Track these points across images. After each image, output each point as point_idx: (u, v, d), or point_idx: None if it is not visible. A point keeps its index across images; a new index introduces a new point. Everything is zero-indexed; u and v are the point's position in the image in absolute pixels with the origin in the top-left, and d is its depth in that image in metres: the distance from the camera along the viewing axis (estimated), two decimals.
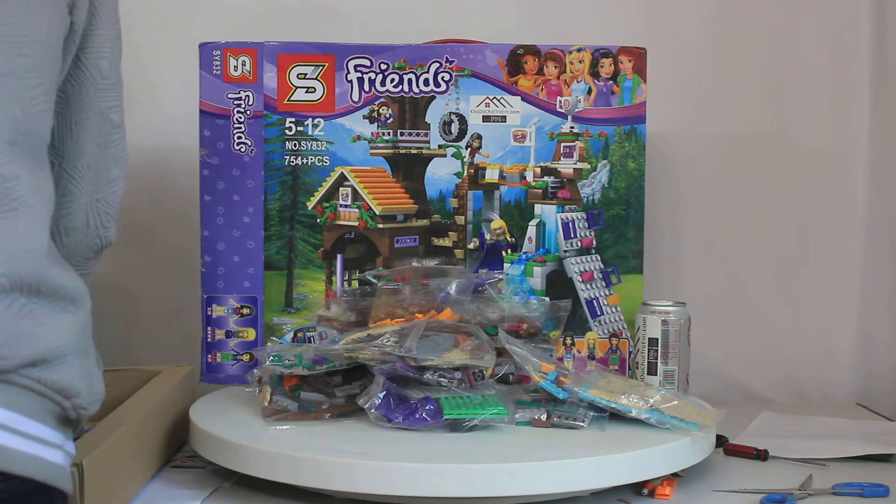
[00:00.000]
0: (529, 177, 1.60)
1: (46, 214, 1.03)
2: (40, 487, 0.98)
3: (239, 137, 1.57)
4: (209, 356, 1.58)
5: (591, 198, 1.61)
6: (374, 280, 1.51)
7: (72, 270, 1.06)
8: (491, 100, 1.59)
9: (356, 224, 1.59)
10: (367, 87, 1.58)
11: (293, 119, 1.57)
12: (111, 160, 1.15)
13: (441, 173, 1.60)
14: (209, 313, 1.58)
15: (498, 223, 1.60)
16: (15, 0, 1.03)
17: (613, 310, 1.61)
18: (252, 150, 1.57)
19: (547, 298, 1.55)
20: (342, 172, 1.58)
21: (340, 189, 1.58)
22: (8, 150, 1.00)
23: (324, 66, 1.57)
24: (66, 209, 1.12)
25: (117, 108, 1.16)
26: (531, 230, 1.60)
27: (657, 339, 1.52)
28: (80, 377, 1.02)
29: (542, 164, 1.60)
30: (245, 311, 1.58)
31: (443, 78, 1.58)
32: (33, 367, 0.98)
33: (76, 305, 1.04)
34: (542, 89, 1.59)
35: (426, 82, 1.58)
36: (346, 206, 1.59)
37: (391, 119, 1.58)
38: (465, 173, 1.60)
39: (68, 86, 1.11)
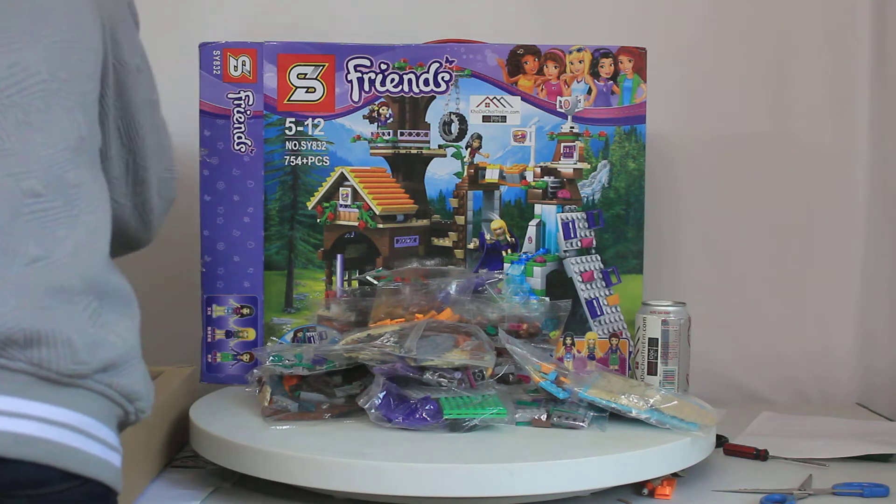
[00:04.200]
0: (529, 177, 1.60)
1: (106, 218, 1.06)
2: (108, 491, 1.00)
3: (239, 137, 1.57)
4: (209, 356, 1.58)
5: (591, 198, 1.61)
6: (373, 281, 1.51)
7: (123, 275, 1.08)
8: (491, 100, 1.59)
9: (356, 224, 1.59)
10: (367, 87, 1.58)
11: (293, 119, 1.57)
12: (161, 132, 1.22)
13: (441, 173, 1.60)
14: (209, 313, 1.58)
15: (498, 223, 1.60)
16: (71, 10, 1.06)
17: (613, 310, 1.61)
18: (252, 150, 1.57)
19: (547, 298, 1.55)
20: (342, 172, 1.58)
21: (340, 189, 1.58)
22: (73, 156, 1.02)
23: (324, 66, 1.57)
24: (144, 195, 1.21)
25: (155, 88, 1.22)
26: (531, 230, 1.60)
27: (657, 339, 1.52)
28: (143, 381, 1.05)
29: (542, 164, 1.60)
30: (245, 311, 1.58)
31: (443, 78, 1.58)
32: (104, 373, 1.00)
33: (132, 308, 1.08)
34: (542, 89, 1.59)
35: (426, 82, 1.58)
36: (346, 206, 1.59)
37: (391, 119, 1.58)
38: (465, 173, 1.60)
39: (118, 87, 1.15)
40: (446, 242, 1.60)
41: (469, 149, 1.59)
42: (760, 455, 1.44)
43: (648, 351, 1.53)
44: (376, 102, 1.58)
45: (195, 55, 1.56)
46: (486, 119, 1.59)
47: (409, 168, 1.59)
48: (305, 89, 1.57)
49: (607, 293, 1.61)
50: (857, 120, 1.83)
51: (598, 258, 1.61)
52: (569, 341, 1.60)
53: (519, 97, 1.59)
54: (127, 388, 1.02)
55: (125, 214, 1.21)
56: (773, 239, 1.85)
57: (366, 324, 1.45)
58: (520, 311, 1.46)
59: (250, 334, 1.58)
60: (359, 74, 1.57)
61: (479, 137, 1.59)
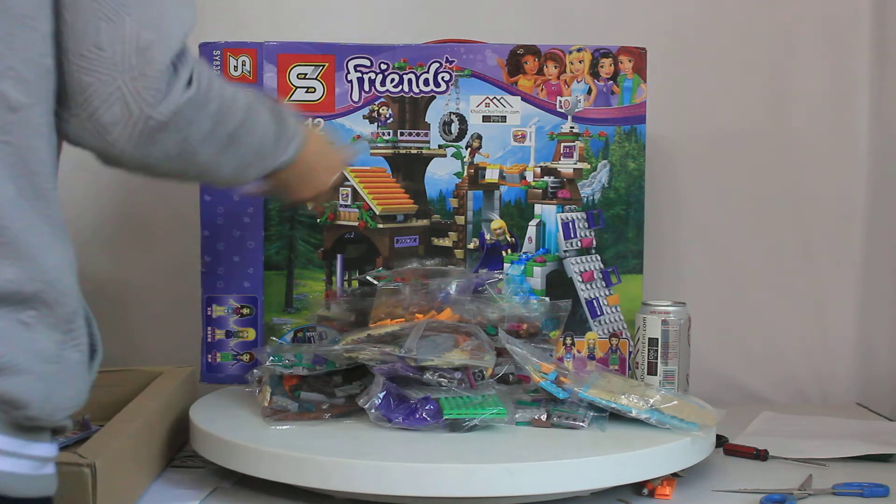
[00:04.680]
0: (529, 177, 1.60)
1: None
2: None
3: None
4: (209, 356, 1.58)
5: (591, 198, 1.61)
6: (373, 281, 1.51)
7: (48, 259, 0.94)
8: (491, 100, 1.59)
9: (356, 224, 1.59)
10: (367, 87, 1.58)
11: None
12: (136, 27, 0.94)
13: (441, 173, 1.60)
14: (209, 313, 1.58)
15: (498, 223, 1.60)
16: None
17: (613, 310, 1.61)
18: None
19: (547, 298, 1.55)
20: (342, 172, 1.58)
21: (340, 189, 1.58)
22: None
23: (324, 66, 1.57)
24: (91, 105, 0.93)
25: None
26: (531, 230, 1.60)
27: (657, 339, 1.52)
28: (34, 389, 0.93)
29: (542, 164, 1.60)
30: (245, 311, 1.58)
31: (443, 78, 1.58)
32: None
33: (41, 310, 0.93)
34: (542, 89, 1.59)
35: (426, 82, 1.58)
36: (346, 206, 1.59)
37: (391, 119, 1.58)
38: (465, 173, 1.60)
39: None
40: (446, 242, 1.60)
41: (469, 149, 1.59)
42: (760, 455, 1.44)
43: (648, 351, 1.53)
44: (376, 102, 1.58)
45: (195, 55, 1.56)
46: (486, 119, 1.59)
47: (409, 168, 1.59)
48: (305, 89, 1.57)
49: (607, 293, 1.61)
50: (857, 120, 1.83)
51: (598, 258, 1.61)
52: (569, 341, 1.60)
53: (519, 97, 1.59)
54: (6, 394, 0.92)
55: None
56: (774, 239, 1.85)
57: (366, 324, 1.45)
58: (520, 311, 1.46)
59: (250, 334, 1.58)
60: (359, 74, 1.57)
61: (479, 137, 1.59)
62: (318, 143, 1.29)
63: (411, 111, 1.59)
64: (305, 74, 1.57)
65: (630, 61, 1.60)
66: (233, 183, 1.15)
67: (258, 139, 1.10)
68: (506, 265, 1.60)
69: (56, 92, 0.95)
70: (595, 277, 1.61)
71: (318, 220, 1.59)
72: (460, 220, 1.60)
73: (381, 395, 1.31)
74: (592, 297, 1.61)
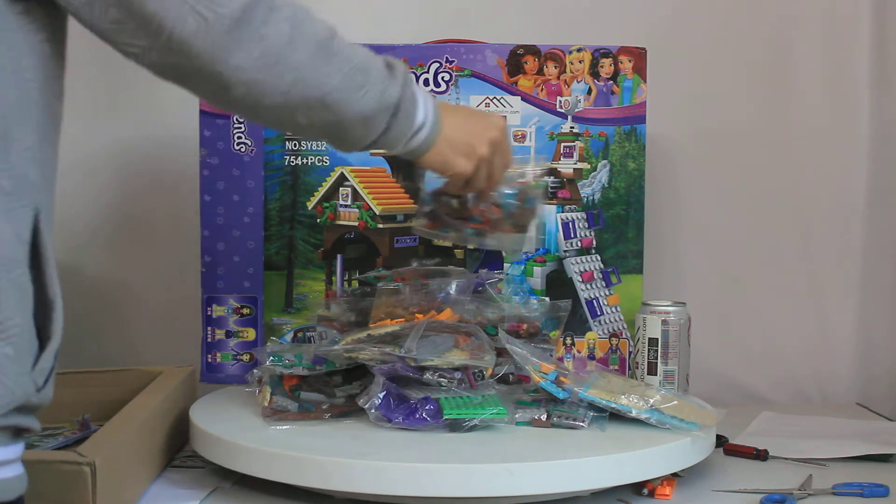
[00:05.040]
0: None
1: None
2: None
3: (239, 137, 1.57)
4: (209, 356, 1.58)
5: (591, 198, 1.61)
6: (374, 281, 1.51)
7: None
8: (491, 100, 1.59)
9: (356, 224, 1.59)
10: None
11: None
12: None
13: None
14: (209, 313, 1.58)
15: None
16: None
17: (613, 310, 1.61)
18: (252, 149, 1.57)
19: (547, 298, 1.55)
20: (342, 172, 1.58)
21: (340, 189, 1.58)
22: None
23: None
24: (166, 29, 0.94)
25: None
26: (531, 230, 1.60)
27: (657, 339, 1.52)
28: None
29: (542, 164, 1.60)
30: (245, 311, 1.58)
31: (443, 78, 1.58)
32: None
33: None
34: (542, 89, 1.59)
35: (426, 82, 1.58)
36: (346, 206, 1.59)
37: None
38: None
39: None
40: (446, 242, 1.60)
41: None
42: (760, 455, 1.44)
43: (648, 351, 1.53)
44: None
45: None
46: None
47: (409, 168, 1.59)
48: None
49: (607, 293, 1.61)
50: (857, 120, 1.83)
51: (598, 258, 1.61)
52: (569, 341, 1.60)
53: (519, 97, 1.59)
54: None
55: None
56: (774, 239, 1.85)
57: (366, 324, 1.45)
58: (520, 311, 1.46)
59: (250, 334, 1.58)
60: None
61: None
62: (459, 110, 1.23)
63: None
64: None
65: (630, 61, 1.60)
66: (360, 113, 1.07)
67: (360, 57, 1.06)
68: (506, 265, 1.60)
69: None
70: (595, 277, 1.61)
71: (319, 221, 1.59)
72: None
73: (381, 395, 1.31)
74: (592, 297, 1.61)
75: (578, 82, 1.60)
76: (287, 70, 1.00)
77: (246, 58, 0.97)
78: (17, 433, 0.95)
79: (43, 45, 0.96)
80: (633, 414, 1.33)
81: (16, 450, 0.96)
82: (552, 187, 1.60)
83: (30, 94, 0.95)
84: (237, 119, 1.56)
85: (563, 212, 1.60)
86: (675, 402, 1.35)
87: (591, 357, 1.60)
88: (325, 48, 1.03)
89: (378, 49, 1.56)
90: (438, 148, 1.18)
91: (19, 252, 0.93)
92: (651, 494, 1.28)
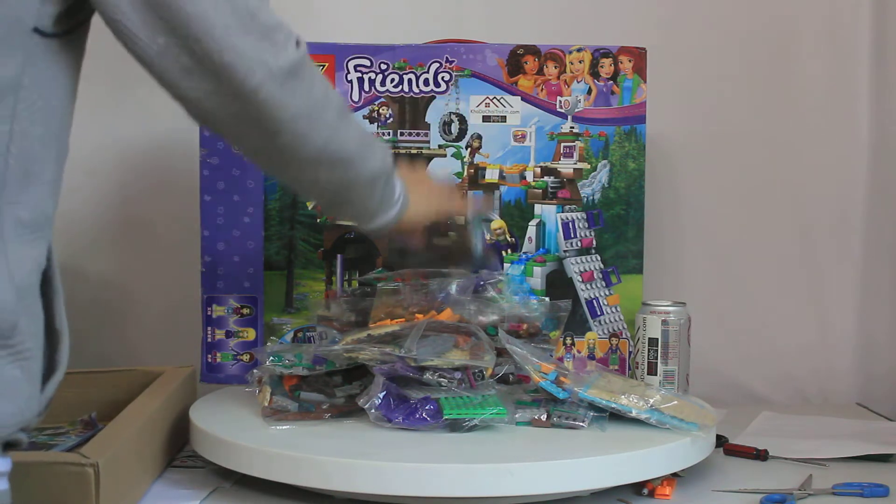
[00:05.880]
0: (529, 177, 1.60)
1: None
2: None
3: None
4: (209, 356, 1.58)
5: (591, 198, 1.61)
6: (374, 282, 1.51)
7: None
8: (491, 100, 1.59)
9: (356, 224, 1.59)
10: (367, 87, 1.58)
11: None
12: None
13: (441, 173, 1.60)
14: (209, 313, 1.58)
15: (498, 223, 1.60)
16: None
17: (613, 310, 1.61)
18: None
19: (547, 298, 1.55)
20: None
21: None
22: None
23: (324, 66, 1.57)
24: (237, 79, 1.00)
25: None
26: (531, 230, 1.60)
27: (657, 339, 1.52)
28: None
29: (542, 164, 1.60)
30: (245, 311, 1.58)
31: (443, 78, 1.58)
32: None
33: None
34: (542, 89, 1.59)
35: (426, 82, 1.58)
36: None
37: (391, 119, 1.58)
38: (465, 173, 1.60)
39: None
40: (446, 242, 1.60)
41: (469, 149, 1.59)
42: (760, 455, 1.44)
43: (648, 351, 1.53)
44: (376, 102, 1.58)
45: None
46: (486, 119, 1.59)
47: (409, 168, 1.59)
48: None
49: (607, 293, 1.61)
50: (857, 119, 1.83)
51: (598, 258, 1.61)
52: (569, 341, 1.60)
53: (519, 97, 1.59)
54: None
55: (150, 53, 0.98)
56: (774, 239, 1.85)
57: (366, 324, 1.45)
58: (520, 311, 1.46)
59: (250, 334, 1.58)
60: (359, 74, 1.57)
61: (479, 137, 1.59)
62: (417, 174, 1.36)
63: (411, 111, 1.59)
64: None
65: (630, 61, 1.60)
66: (371, 172, 1.17)
67: (360, 122, 1.18)
68: (506, 265, 1.60)
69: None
70: (595, 277, 1.61)
71: (319, 220, 1.59)
72: (460, 220, 1.60)
73: (381, 395, 1.31)
74: (592, 297, 1.61)
75: (578, 82, 1.60)
76: (324, 126, 1.09)
77: (299, 109, 1.04)
78: (7, 447, 0.97)
79: (69, 80, 0.98)
80: (633, 414, 1.33)
81: (6, 463, 0.97)
82: (552, 187, 1.60)
83: (52, 130, 0.97)
84: None
85: (563, 212, 1.60)
86: (675, 402, 1.35)
87: (591, 357, 1.60)
88: (345, 110, 1.14)
89: (378, 49, 1.58)
90: (403, 221, 1.29)
91: (36, 281, 0.96)
92: (651, 494, 1.28)
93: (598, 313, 1.61)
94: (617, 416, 1.34)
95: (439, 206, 1.40)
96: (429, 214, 1.36)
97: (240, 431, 1.32)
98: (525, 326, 1.44)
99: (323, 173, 1.14)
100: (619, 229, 1.61)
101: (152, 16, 0.96)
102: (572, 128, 1.60)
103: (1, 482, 0.96)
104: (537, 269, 1.60)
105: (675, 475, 1.32)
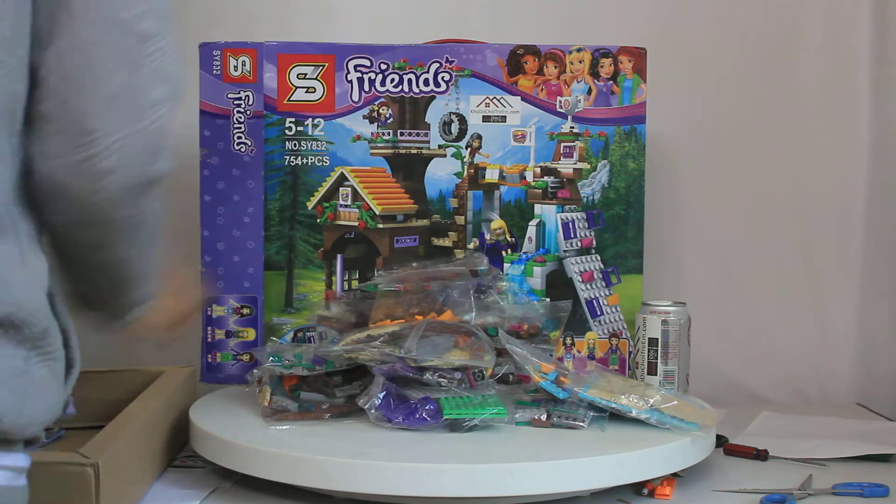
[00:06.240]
0: (529, 177, 1.60)
1: None
2: None
3: (239, 137, 1.57)
4: (209, 356, 1.58)
5: (591, 198, 1.61)
6: (374, 289, 1.51)
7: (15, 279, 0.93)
8: (491, 100, 1.59)
9: (356, 224, 1.59)
10: (367, 87, 1.58)
11: (293, 119, 1.57)
12: (148, 81, 0.93)
13: (441, 173, 1.60)
14: (209, 313, 1.58)
15: (498, 223, 1.60)
16: None
17: (613, 310, 1.61)
18: (252, 150, 1.57)
19: (547, 298, 1.55)
20: (342, 172, 1.58)
21: (340, 189, 1.58)
22: None
23: (324, 66, 1.57)
24: (93, 149, 0.92)
25: (145, 14, 0.93)
26: (531, 230, 1.60)
27: (657, 339, 1.52)
28: (6, 401, 0.92)
29: (542, 164, 1.60)
30: (245, 311, 1.58)
31: (443, 78, 1.58)
32: None
33: (8, 330, 0.92)
34: (542, 89, 1.59)
35: (426, 82, 1.58)
36: (346, 206, 1.59)
37: (391, 119, 1.58)
38: (465, 173, 1.60)
39: (74, 4, 0.92)
40: (446, 242, 1.60)
41: (469, 149, 1.59)
42: (760, 455, 1.44)
43: (648, 351, 1.53)
44: (376, 102, 1.58)
45: (195, 55, 1.56)
46: (486, 119, 1.59)
47: (409, 168, 1.59)
48: (305, 89, 1.57)
49: (607, 293, 1.61)
50: (857, 119, 1.83)
51: (598, 258, 1.61)
52: (569, 341, 1.60)
53: (519, 97, 1.59)
54: None
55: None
56: (774, 239, 1.85)
57: (366, 324, 1.45)
58: (520, 312, 1.46)
59: (250, 334, 1.58)
60: (359, 74, 1.58)
61: (479, 137, 1.59)
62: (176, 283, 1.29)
63: (411, 111, 1.59)
64: (305, 74, 1.57)
65: (630, 61, 1.60)
66: (137, 291, 1.11)
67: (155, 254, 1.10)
68: (506, 265, 1.60)
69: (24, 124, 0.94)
70: (595, 277, 1.61)
71: (319, 221, 1.59)
72: (460, 220, 1.60)
73: (381, 396, 1.31)
74: (592, 297, 1.61)
75: (578, 82, 1.60)
76: (142, 239, 1.03)
77: (132, 213, 0.99)
78: (26, 444, 0.98)
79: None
80: (633, 414, 1.33)
81: (27, 459, 0.98)
82: (552, 187, 1.60)
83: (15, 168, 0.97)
84: (237, 119, 1.56)
85: (563, 212, 1.60)
86: (675, 402, 1.35)
87: (591, 357, 1.60)
88: (159, 235, 1.07)
89: (378, 49, 1.58)
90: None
91: (47, 284, 0.97)
92: (651, 494, 1.28)
93: (598, 313, 1.61)
94: (617, 416, 1.34)
95: (178, 317, 1.32)
96: (169, 321, 1.30)
97: (240, 431, 1.32)
98: (525, 327, 1.44)
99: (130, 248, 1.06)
100: (619, 229, 1.61)
101: None
102: (572, 128, 1.60)
103: (21, 478, 0.97)
104: (537, 269, 1.60)
105: (675, 475, 1.32)
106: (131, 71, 0.93)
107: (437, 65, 1.58)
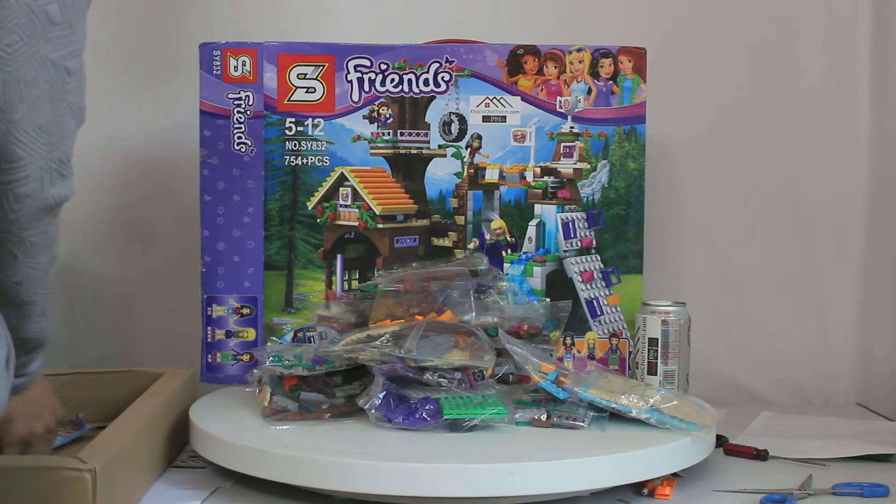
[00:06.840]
0: (529, 177, 1.60)
1: None
2: None
3: (239, 137, 1.57)
4: (209, 356, 1.58)
5: (591, 198, 1.61)
6: (374, 289, 1.51)
7: None
8: (491, 100, 1.59)
9: (356, 224, 1.59)
10: (367, 87, 1.58)
11: (293, 119, 1.57)
12: (66, 114, 1.00)
13: (441, 173, 1.60)
14: (209, 313, 1.58)
15: (498, 223, 1.60)
16: None
17: (613, 310, 1.61)
18: (252, 150, 1.57)
19: (547, 299, 1.55)
20: (342, 172, 1.58)
21: (340, 189, 1.58)
22: None
23: (324, 66, 1.57)
24: (16, 175, 0.98)
25: (72, 55, 1.00)
26: (531, 230, 1.60)
27: (657, 339, 1.52)
28: None
29: (542, 164, 1.60)
30: (245, 311, 1.58)
31: (443, 78, 1.58)
32: None
33: None
34: (542, 89, 1.59)
35: (426, 82, 1.58)
36: (346, 206, 1.59)
37: (391, 119, 1.59)
38: (465, 173, 1.60)
39: (15, 38, 0.96)
40: (446, 242, 1.60)
41: (469, 149, 1.59)
42: (760, 455, 1.44)
43: (648, 351, 1.53)
44: (376, 102, 1.58)
45: (195, 55, 1.56)
46: (486, 119, 1.59)
47: (409, 168, 1.59)
48: (305, 89, 1.57)
49: (607, 293, 1.61)
50: (857, 119, 1.83)
51: (598, 258, 1.61)
52: (569, 341, 1.60)
53: (519, 97, 1.59)
54: None
55: None
56: (774, 239, 1.85)
57: (366, 324, 1.45)
58: (520, 312, 1.46)
59: (250, 334, 1.58)
60: (359, 74, 1.58)
61: (479, 137, 1.59)
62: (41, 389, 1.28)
63: (411, 111, 1.59)
64: (305, 74, 1.57)
65: (630, 61, 1.60)
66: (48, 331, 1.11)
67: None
68: (506, 265, 1.60)
69: None
70: (595, 277, 1.61)
71: (319, 221, 1.59)
72: (460, 220, 1.60)
73: (381, 395, 1.31)
74: (592, 297, 1.61)
75: (578, 82, 1.60)
76: (40, 262, 1.04)
77: (33, 234, 1.02)
78: None
79: None
80: (633, 414, 1.33)
81: None
82: (552, 187, 1.60)
83: None
84: (237, 119, 1.56)
85: (563, 212, 1.60)
86: (675, 402, 1.35)
87: (591, 357, 1.60)
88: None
89: (378, 49, 1.58)
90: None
91: None
92: (651, 494, 1.28)
93: (598, 313, 1.61)
94: (617, 416, 1.34)
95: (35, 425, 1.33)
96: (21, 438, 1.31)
97: (240, 431, 1.32)
98: (525, 327, 1.44)
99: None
100: (619, 229, 1.61)
101: None
102: (572, 128, 1.60)
103: None
104: (537, 269, 1.60)
105: (675, 475, 1.32)
106: (55, 105, 0.99)
107: (437, 65, 1.58)
